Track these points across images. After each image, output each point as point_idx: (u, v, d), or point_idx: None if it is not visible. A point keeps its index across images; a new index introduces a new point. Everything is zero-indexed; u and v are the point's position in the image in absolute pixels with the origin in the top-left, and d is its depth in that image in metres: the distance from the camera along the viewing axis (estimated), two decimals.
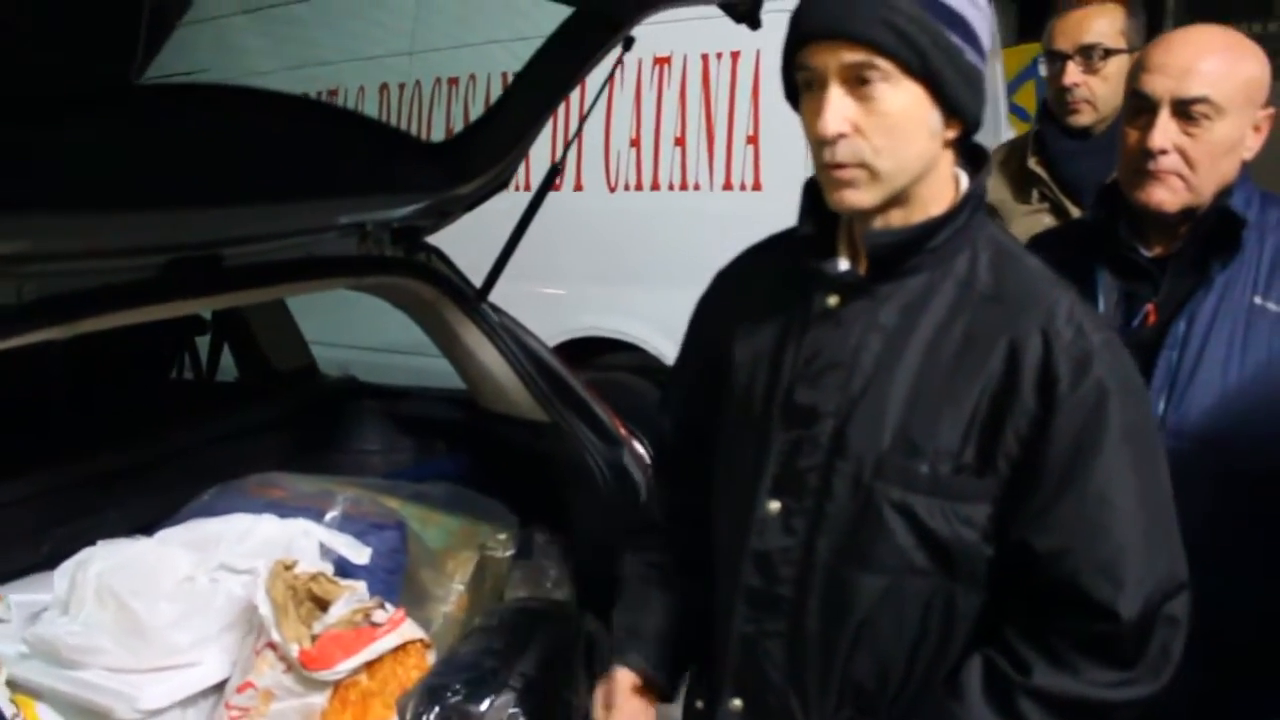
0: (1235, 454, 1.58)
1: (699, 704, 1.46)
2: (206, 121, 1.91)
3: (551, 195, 4.53)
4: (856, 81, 1.18)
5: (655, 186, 4.40)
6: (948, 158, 1.28)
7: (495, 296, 2.56)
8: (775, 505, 1.30)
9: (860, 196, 1.23)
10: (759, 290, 1.40)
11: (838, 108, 1.18)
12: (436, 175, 2.28)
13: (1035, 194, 2.43)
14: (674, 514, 1.56)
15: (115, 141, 1.73)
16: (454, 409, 2.63)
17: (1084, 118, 2.33)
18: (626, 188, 4.46)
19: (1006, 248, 1.32)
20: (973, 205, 1.28)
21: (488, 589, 2.35)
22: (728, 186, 4.24)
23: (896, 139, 1.20)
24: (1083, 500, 1.20)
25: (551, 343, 4.38)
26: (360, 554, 1.99)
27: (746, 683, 1.35)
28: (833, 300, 1.30)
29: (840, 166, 1.21)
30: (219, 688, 1.70)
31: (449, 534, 2.33)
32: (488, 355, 2.41)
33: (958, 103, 1.22)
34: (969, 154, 1.31)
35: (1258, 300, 1.61)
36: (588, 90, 4.15)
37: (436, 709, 1.92)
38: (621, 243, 4.36)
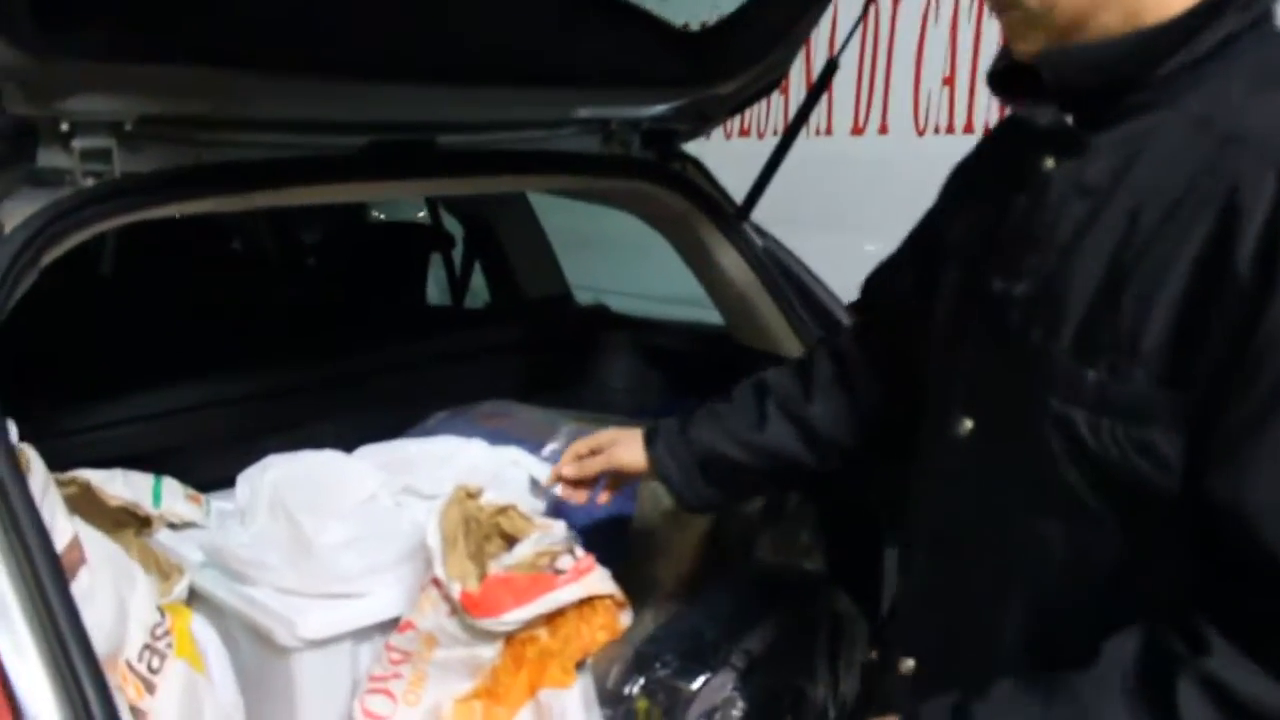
0: None
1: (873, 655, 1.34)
2: None
3: (852, 140, 4.23)
4: None
5: (969, 129, 3.97)
6: None
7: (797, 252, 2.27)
8: (968, 424, 1.10)
9: (1022, 44, 1.04)
10: (981, 175, 1.24)
11: None
12: (694, 70, 1.97)
13: None
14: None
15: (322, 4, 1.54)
16: (711, 345, 2.34)
17: None
18: (936, 130, 4.05)
19: None
20: (1238, 11, 0.95)
21: (730, 550, 2.06)
22: None
23: None
24: None
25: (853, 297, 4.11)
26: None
27: (920, 641, 1.18)
28: (1049, 163, 1.04)
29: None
30: (392, 625, 1.49)
31: None
32: (746, 282, 2.10)
33: None
34: None
35: None
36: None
37: (641, 681, 1.64)
38: (931, 191, 3.96)
